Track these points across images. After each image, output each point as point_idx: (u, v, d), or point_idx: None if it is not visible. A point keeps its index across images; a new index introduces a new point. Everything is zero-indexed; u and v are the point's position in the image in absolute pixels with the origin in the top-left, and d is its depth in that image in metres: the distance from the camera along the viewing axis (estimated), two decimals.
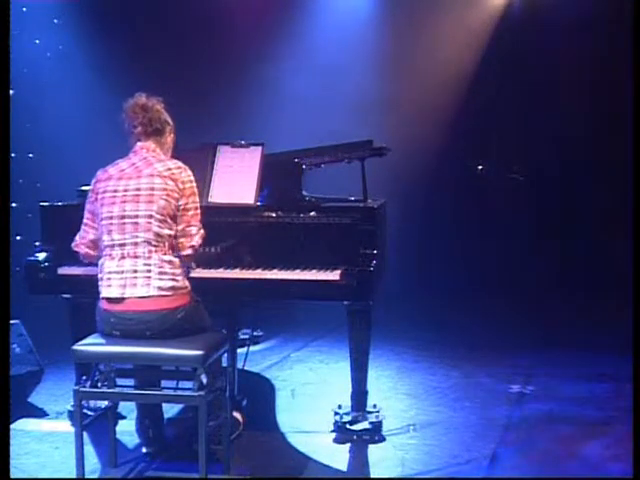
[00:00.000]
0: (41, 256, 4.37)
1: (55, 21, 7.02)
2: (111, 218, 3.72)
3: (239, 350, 4.67)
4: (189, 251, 3.78)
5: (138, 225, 3.69)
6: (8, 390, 3.77)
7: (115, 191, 3.75)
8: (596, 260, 7.31)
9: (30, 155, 6.77)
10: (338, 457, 4.12)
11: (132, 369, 3.93)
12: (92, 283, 3.81)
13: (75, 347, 3.72)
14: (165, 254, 3.70)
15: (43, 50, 6.98)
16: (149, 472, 3.93)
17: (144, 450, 4.07)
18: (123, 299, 3.67)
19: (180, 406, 4.56)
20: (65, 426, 4.50)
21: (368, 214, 4.21)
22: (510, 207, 7.70)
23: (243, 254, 4.22)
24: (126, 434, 4.22)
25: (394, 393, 5.11)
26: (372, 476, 3.98)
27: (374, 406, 4.42)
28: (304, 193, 4.46)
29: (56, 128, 6.72)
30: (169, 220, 3.72)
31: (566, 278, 7.37)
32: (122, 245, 3.70)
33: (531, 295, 7.21)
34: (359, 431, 4.30)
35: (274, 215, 4.26)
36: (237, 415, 4.29)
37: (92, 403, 4.34)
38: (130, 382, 3.95)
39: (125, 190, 3.73)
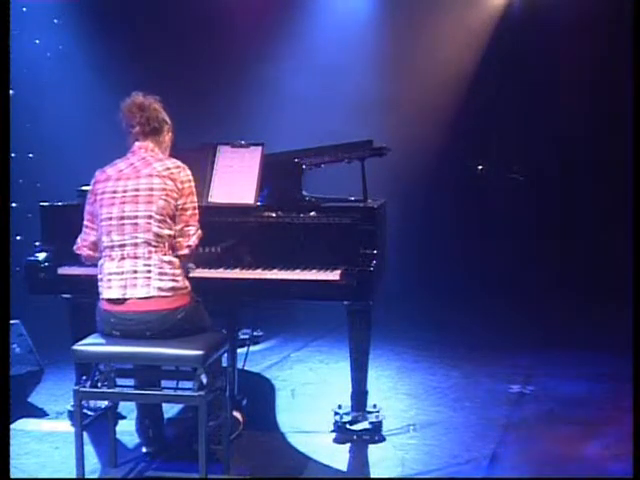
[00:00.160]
0: (41, 256, 4.37)
1: (55, 21, 7.01)
2: (110, 219, 3.72)
3: (239, 350, 4.67)
4: (186, 251, 3.78)
5: (137, 226, 3.69)
6: (8, 390, 3.77)
7: (114, 192, 3.74)
8: (596, 260, 7.31)
9: (30, 155, 6.76)
10: (338, 457, 4.13)
11: (132, 369, 3.93)
12: (92, 283, 3.81)
13: (75, 347, 3.72)
14: (165, 254, 3.70)
15: (43, 50, 6.98)
16: (149, 472, 3.94)
17: (144, 450, 4.07)
18: (124, 300, 3.67)
19: (180, 406, 4.56)
20: (65, 426, 4.50)
21: (368, 214, 4.21)
22: (510, 207, 7.70)
23: (243, 254, 4.22)
24: (126, 434, 4.22)
25: (394, 393, 5.11)
26: (372, 476, 3.98)
27: (374, 406, 4.42)
28: (304, 193, 4.46)
29: (56, 128, 6.72)
30: (169, 220, 3.72)
31: (566, 278, 7.36)
32: (122, 246, 3.69)
33: (531, 295, 7.20)
34: (359, 431, 4.30)
35: (274, 215, 4.26)
36: (237, 415, 4.29)
37: (92, 403, 4.34)
38: (130, 382, 3.95)
39: (124, 191, 3.73)
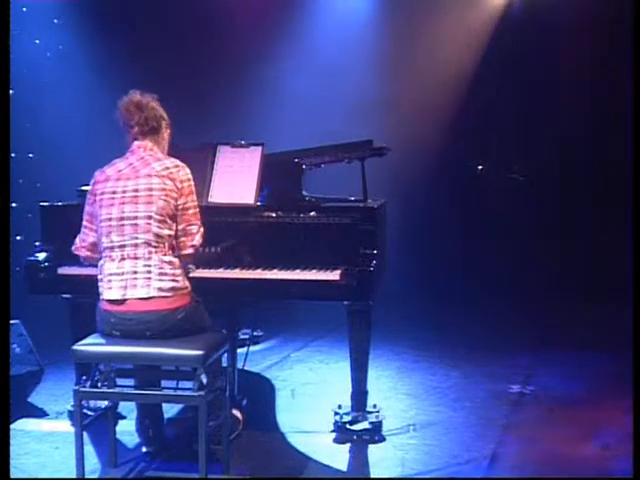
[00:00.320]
0: (41, 256, 4.37)
1: (55, 21, 7.01)
2: (110, 220, 3.71)
3: (239, 350, 4.68)
4: (190, 250, 3.78)
5: (137, 226, 3.68)
6: (8, 390, 3.77)
7: (113, 192, 3.74)
8: (596, 260, 7.31)
9: (30, 155, 6.76)
10: (338, 457, 4.13)
11: (132, 369, 3.93)
12: (92, 283, 3.81)
13: (75, 347, 3.72)
14: (165, 255, 3.70)
15: (43, 50, 6.98)
16: (149, 472, 3.94)
17: (144, 450, 4.07)
18: (124, 300, 3.66)
19: (180, 406, 4.56)
20: (65, 426, 4.50)
21: (368, 214, 4.21)
22: (510, 207, 7.70)
23: (243, 254, 4.22)
24: (126, 434, 4.22)
25: (394, 393, 5.11)
26: (372, 476, 3.98)
27: (374, 406, 4.42)
28: (304, 193, 4.46)
29: (56, 128, 6.72)
30: (168, 220, 3.72)
31: (566, 278, 7.36)
32: (122, 247, 3.69)
33: (531, 295, 7.20)
34: (359, 431, 4.30)
35: (274, 215, 4.26)
36: (237, 415, 4.29)
37: (92, 403, 4.34)
38: (130, 382, 3.95)
39: (123, 191, 3.72)
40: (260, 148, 4.37)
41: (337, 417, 4.37)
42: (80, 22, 6.99)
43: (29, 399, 4.94)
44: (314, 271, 4.09)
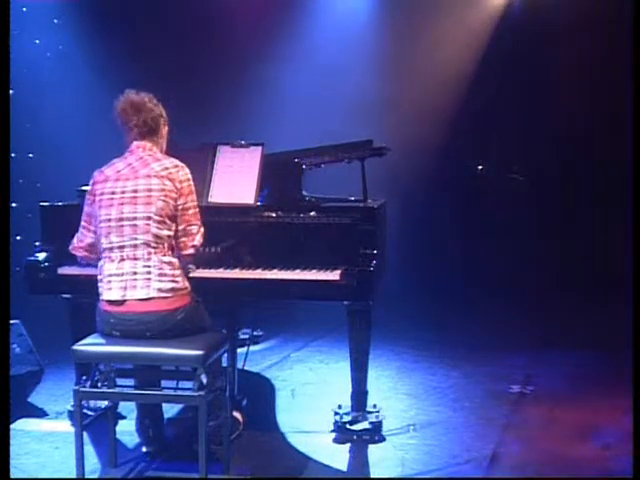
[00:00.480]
0: (41, 256, 4.37)
1: (55, 21, 7.01)
2: (109, 220, 3.71)
3: (239, 350, 4.67)
4: (191, 250, 3.79)
5: (136, 227, 3.68)
6: (8, 390, 3.77)
7: (112, 193, 3.73)
8: (596, 260, 7.31)
9: (30, 155, 6.76)
10: (338, 457, 4.13)
11: (132, 369, 3.93)
12: (92, 283, 3.81)
13: (75, 347, 3.72)
14: (164, 255, 3.70)
15: (43, 50, 6.98)
16: (149, 472, 3.94)
17: (144, 449, 4.07)
18: (123, 301, 3.66)
19: (180, 406, 4.56)
20: (65, 426, 4.50)
21: (368, 214, 4.21)
22: (510, 207, 7.70)
23: (243, 254, 4.22)
24: (126, 434, 4.22)
25: (394, 393, 5.11)
26: (372, 476, 3.98)
27: (374, 406, 4.42)
28: (304, 193, 4.46)
29: (56, 128, 6.72)
30: (168, 221, 3.72)
31: (566, 278, 7.36)
32: (121, 247, 3.69)
33: (530, 295, 7.20)
34: (359, 431, 4.30)
35: (274, 215, 4.26)
36: (237, 415, 4.29)
37: (92, 403, 4.34)
38: (130, 382, 3.95)
39: (122, 192, 3.72)
40: (260, 148, 4.37)
41: (337, 417, 4.37)
42: (80, 22, 6.99)
43: (29, 399, 4.94)
44: (314, 271, 4.09)
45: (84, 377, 3.92)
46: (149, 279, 3.65)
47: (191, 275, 3.90)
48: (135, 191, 3.71)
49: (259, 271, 4.14)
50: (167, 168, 3.76)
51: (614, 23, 6.95)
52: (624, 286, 5.21)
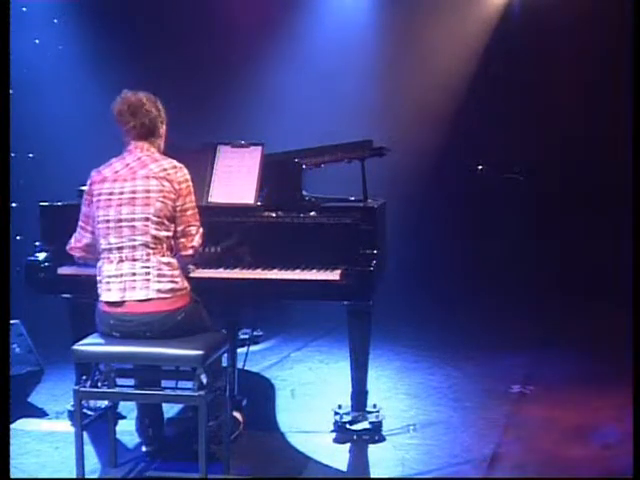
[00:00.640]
0: (41, 256, 4.38)
1: (55, 21, 7.01)
2: (107, 222, 3.71)
3: (239, 350, 4.68)
4: (190, 251, 3.78)
5: (135, 228, 3.67)
6: (8, 390, 3.77)
7: (110, 194, 3.73)
8: (596, 260, 7.30)
9: (30, 155, 6.76)
10: (338, 457, 4.13)
11: (132, 369, 3.93)
12: (92, 283, 3.81)
13: (75, 347, 3.72)
14: (163, 256, 3.70)
15: (43, 50, 6.98)
16: (149, 472, 3.94)
17: (144, 449, 4.08)
18: (123, 302, 3.66)
19: (180, 406, 4.56)
20: (65, 426, 4.50)
21: (368, 214, 4.21)
22: (510, 207, 7.70)
23: (243, 254, 4.22)
24: (126, 434, 4.22)
25: (394, 393, 5.11)
26: (372, 476, 3.98)
27: (374, 406, 4.42)
28: (304, 193, 4.46)
29: (56, 128, 6.71)
30: (166, 222, 3.71)
31: (566, 278, 7.36)
32: (120, 249, 3.69)
33: (531, 295, 7.20)
34: (359, 431, 4.30)
35: (274, 215, 4.26)
36: (237, 415, 4.29)
37: (92, 403, 4.35)
38: (130, 382, 3.95)
39: (121, 193, 3.71)
40: (260, 148, 4.37)
41: (337, 417, 4.37)
42: (80, 22, 6.99)
43: (29, 399, 4.94)
44: (314, 271, 4.09)
45: (84, 377, 3.91)
46: (148, 280, 3.65)
47: (191, 275, 3.91)
48: (133, 192, 3.70)
49: (259, 271, 4.14)
50: (165, 169, 3.75)
51: (614, 23, 6.95)
52: (624, 286, 5.21)
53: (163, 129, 3.91)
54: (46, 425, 4.61)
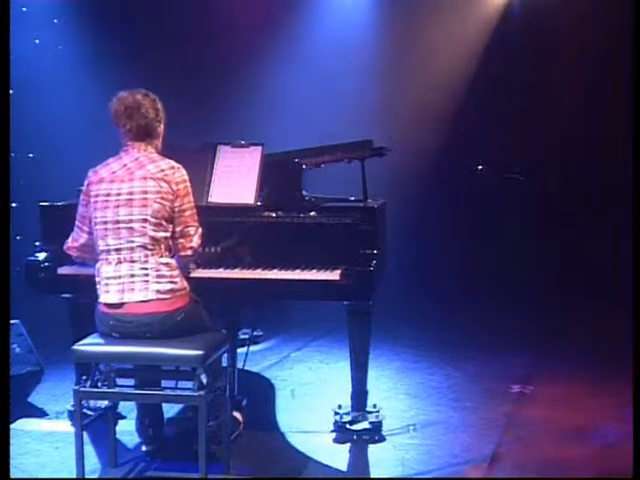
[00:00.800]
0: (41, 256, 4.38)
1: (55, 21, 7.01)
2: (105, 223, 3.70)
3: (239, 350, 4.68)
4: (189, 252, 3.78)
5: (133, 230, 3.67)
6: (8, 390, 3.77)
7: (108, 195, 3.71)
8: (596, 260, 7.30)
9: (30, 155, 6.76)
10: (338, 457, 4.13)
11: (132, 369, 3.93)
12: (92, 283, 3.80)
13: (75, 347, 3.72)
14: (162, 257, 3.69)
15: (43, 50, 6.98)
16: (149, 472, 3.94)
17: (144, 449, 4.08)
18: (122, 304, 3.66)
19: (180, 406, 4.56)
20: (65, 426, 4.50)
21: (368, 214, 4.21)
22: (510, 207, 7.70)
23: (243, 254, 4.22)
24: (126, 434, 4.22)
25: (394, 393, 5.11)
26: (372, 476, 3.98)
27: (374, 406, 4.42)
28: (304, 193, 4.46)
29: (56, 128, 6.71)
30: (164, 223, 3.71)
31: (566, 278, 7.36)
32: (118, 250, 3.68)
33: (531, 295, 7.20)
34: (359, 431, 4.30)
35: (274, 215, 4.26)
36: (237, 415, 4.29)
37: (92, 403, 4.34)
38: (130, 382, 3.95)
39: (118, 194, 3.70)
40: (260, 148, 4.37)
41: (337, 417, 4.37)
42: (80, 22, 6.99)
43: (29, 399, 4.94)
44: (314, 271, 4.09)
45: (84, 377, 3.91)
46: (147, 281, 3.65)
47: (191, 275, 3.91)
48: (131, 193, 3.69)
49: (259, 271, 4.14)
50: (163, 170, 3.73)
51: (614, 23, 6.95)
52: (624, 286, 5.21)
53: (161, 129, 3.89)
54: (46, 425, 4.61)
